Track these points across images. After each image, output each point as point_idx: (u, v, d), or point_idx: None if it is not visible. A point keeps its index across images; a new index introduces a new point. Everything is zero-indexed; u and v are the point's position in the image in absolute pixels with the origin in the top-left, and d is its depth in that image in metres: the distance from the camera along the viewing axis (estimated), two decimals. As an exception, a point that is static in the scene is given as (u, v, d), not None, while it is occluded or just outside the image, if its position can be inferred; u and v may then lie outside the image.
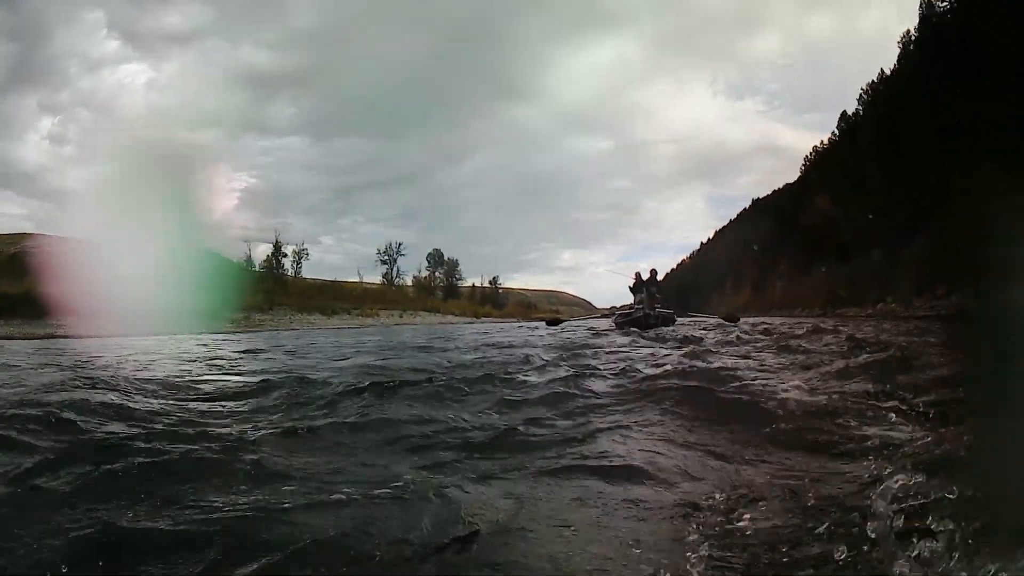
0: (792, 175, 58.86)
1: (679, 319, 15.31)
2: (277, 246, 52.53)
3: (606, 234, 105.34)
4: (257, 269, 49.29)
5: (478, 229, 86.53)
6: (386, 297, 52.71)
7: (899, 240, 30.83)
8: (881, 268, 32.15)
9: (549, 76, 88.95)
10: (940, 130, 28.48)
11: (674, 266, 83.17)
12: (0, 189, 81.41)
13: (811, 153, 52.64)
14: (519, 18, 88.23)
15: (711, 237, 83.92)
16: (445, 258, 69.48)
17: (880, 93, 40.16)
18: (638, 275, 16.13)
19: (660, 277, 15.99)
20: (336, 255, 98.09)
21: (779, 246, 51.20)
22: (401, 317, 46.67)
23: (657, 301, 15.13)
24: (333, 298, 45.85)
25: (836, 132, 47.96)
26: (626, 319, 14.42)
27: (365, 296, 50.70)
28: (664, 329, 12.60)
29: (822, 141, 51.48)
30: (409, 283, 64.17)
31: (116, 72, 73.77)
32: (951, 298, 23.78)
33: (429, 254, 68.63)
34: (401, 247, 64.62)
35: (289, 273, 52.13)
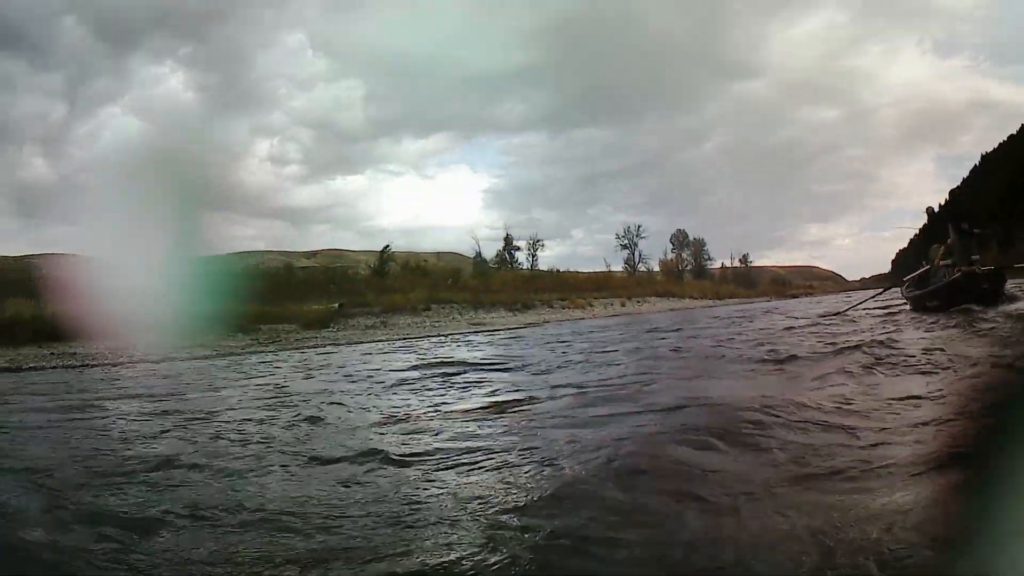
0: (1009, 128, 50.86)
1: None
2: (508, 240, 53.16)
3: (848, 205, 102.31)
4: (490, 264, 50.27)
5: (726, 209, 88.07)
6: (610, 284, 48.83)
7: None
8: None
9: (768, 50, 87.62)
10: None
11: (916, 232, 75.17)
12: (225, 212, 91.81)
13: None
14: None
15: (946, 199, 75.76)
16: (690, 238, 66.19)
17: None
18: (933, 212, 11.29)
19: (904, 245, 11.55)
20: (587, 246, 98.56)
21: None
22: (623, 305, 42.57)
23: (973, 253, 9.41)
24: (532, 290, 42.30)
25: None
26: (931, 292, 9.54)
27: (580, 284, 47.06)
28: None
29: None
30: (656, 268, 61.80)
31: (330, 88, 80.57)
32: None
33: (673, 235, 65.60)
34: (640, 230, 61.62)
35: (524, 266, 52.74)
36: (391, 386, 5.93)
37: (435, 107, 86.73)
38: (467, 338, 16.94)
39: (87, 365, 10.97)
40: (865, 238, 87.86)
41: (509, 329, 26.15)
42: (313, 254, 61.13)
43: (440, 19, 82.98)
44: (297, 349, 15.06)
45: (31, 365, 11.56)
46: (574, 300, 41.31)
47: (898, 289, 11.54)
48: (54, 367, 11.21)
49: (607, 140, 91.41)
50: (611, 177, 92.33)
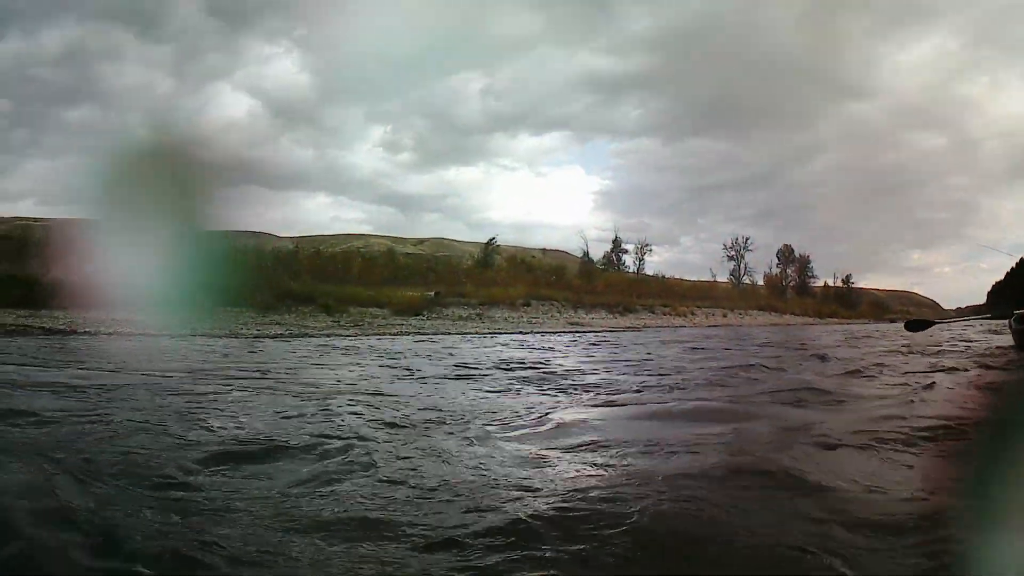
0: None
1: None
2: (616, 242, 53.28)
3: (949, 233, 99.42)
4: (597, 265, 50.03)
5: (831, 228, 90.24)
6: (713, 294, 48.53)
7: None
8: None
9: (879, 73, 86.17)
10: None
11: (1013, 264, 69.36)
12: (335, 195, 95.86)
13: None
14: (843, 17, 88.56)
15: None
16: (796, 255, 65.16)
17: None
18: None
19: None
20: (695, 254, 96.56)
21: None
22: (725, 317, 41.39)
23: None
24: (635, 294, 40.81)
25: None
26: None
27: (684, 292, 46.20)
28: None
29: None
30: (760, 281, 61.38)
31: (446, 81, 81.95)
32: None
33: (779, 250, 64.63)
34: (748, 242, 60.90)
35: (631, 269, 52.63)
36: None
37: (552, 105, 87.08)
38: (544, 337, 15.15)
39: (142, 333, 10.29)
40: (964, 268, 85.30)
41: (607, 331, 24.45)
42: (420, 241, 61.78)
43: (561, 17, 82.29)
44: (379, 334, 13.99)
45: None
46: (676, 307, 39.89)
47: (1005, 320, 9.53)
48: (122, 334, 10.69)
49: (720, 151, 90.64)
50: (721, 188, 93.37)
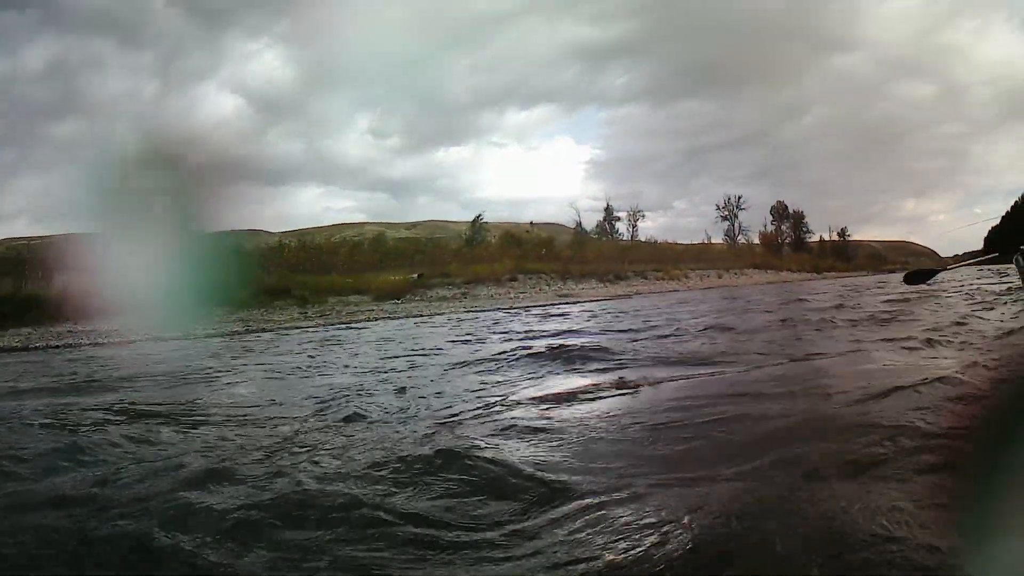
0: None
1: None
2: (608, 211, 53.31)
3: (942, 181, 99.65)
4: (591, 235, 50.14)
5: (824, 183, 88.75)
6: (707, 255, 47.99)
7: None
8: None
9: (862, 23, 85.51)
10: None
11: (1008, 209, 69.85)
12: (326, 185, 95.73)
13: None
14: None
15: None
16: (790, 211, 65.52)
17: None
18: None
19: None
20: (690, 218, 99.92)
21: None
22: (720, 277, 40.95)
23: None
24: (627, 261, 40.28)
25: None
26: None
27: (677, 255, 45.73)
28: None
29: None
30: (756, 240, 61.43)
31: (430, 61, 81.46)
32: None
33: (772, 207, 65.05)
34: (741, 201, 61.34)
35: (625, 237, 52.60)
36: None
37: (539, 78, 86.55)
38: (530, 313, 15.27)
39: (97, 344, 10.47)
40: (960, 215, 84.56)
41: (594, 301, 24.31)
42: (413, 225, 61.80)
43: None
44: (347, 323, 14.15)
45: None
46: (669, 271, 39.47)
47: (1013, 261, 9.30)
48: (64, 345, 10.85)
49: (709, 113, 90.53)
50: (713, 150, 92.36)
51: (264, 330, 11.78)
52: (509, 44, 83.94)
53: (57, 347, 10.24)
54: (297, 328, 12.26)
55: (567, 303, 22.39)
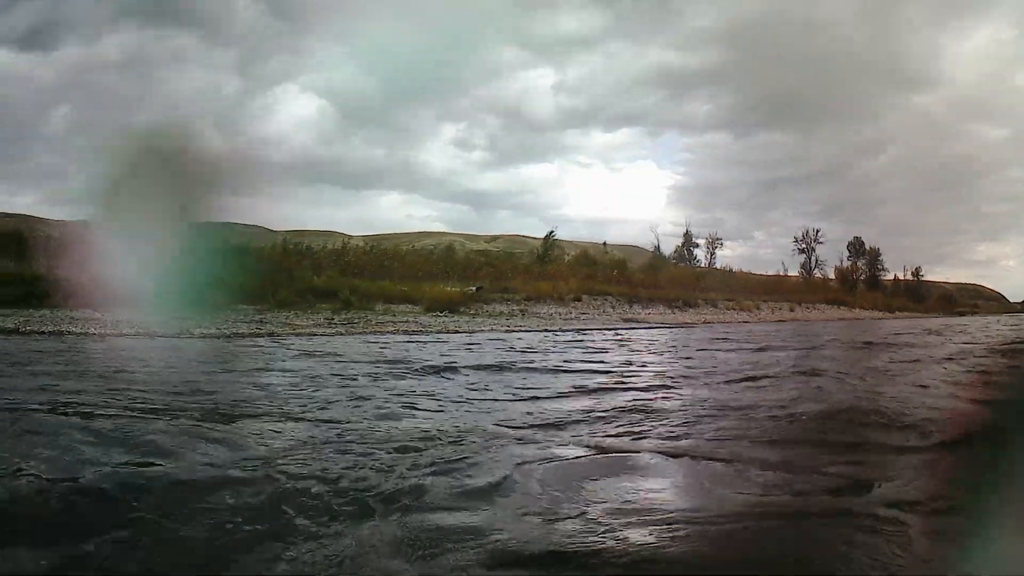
0: None
1: None
2: (687, 236, 53.89)
3: (1012, 225, 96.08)
4: (669, 260, 50.53)
5: (897, 221, 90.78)
6: (781, 287, 47.26)
7: None
8: None
9: (939, 63, 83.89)
10: None
11: None
12: (408, 193, 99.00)
13: None
14: (900, 5, 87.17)
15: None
16: (866, 247, 64.95)
17: None
18: None
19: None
20: (767, 249, 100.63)
21: None
22: (792, 311, 39.78)
23: None
24: (699, 288, 39.55)
25: None
26: None
27: (751, 285, 44.54)
28: None
29: None
30: (831, 275, 61.53)
31: (517, 78, 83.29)
32: None
33: (849, 243, 64.72)
34: (819, 234, 61.12)
35: (703, 264, 53.20)
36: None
37: (623, 101, 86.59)
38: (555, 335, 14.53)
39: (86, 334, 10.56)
40: None
41: (657, 327, 23.05)
42: (494, 238, 62.42)
43: (627, 13, 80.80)
44: (375, 332, 13.95)
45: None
46: (740, 301, 38.01)
47: None
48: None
49: (788, 145, 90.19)
50: (791, 183, 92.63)
51: (272, 334, 11.64)
52: (594, 66, 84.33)
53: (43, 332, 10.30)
54: (313, 335, 12.08)
55: (627, 328, 21.39)
